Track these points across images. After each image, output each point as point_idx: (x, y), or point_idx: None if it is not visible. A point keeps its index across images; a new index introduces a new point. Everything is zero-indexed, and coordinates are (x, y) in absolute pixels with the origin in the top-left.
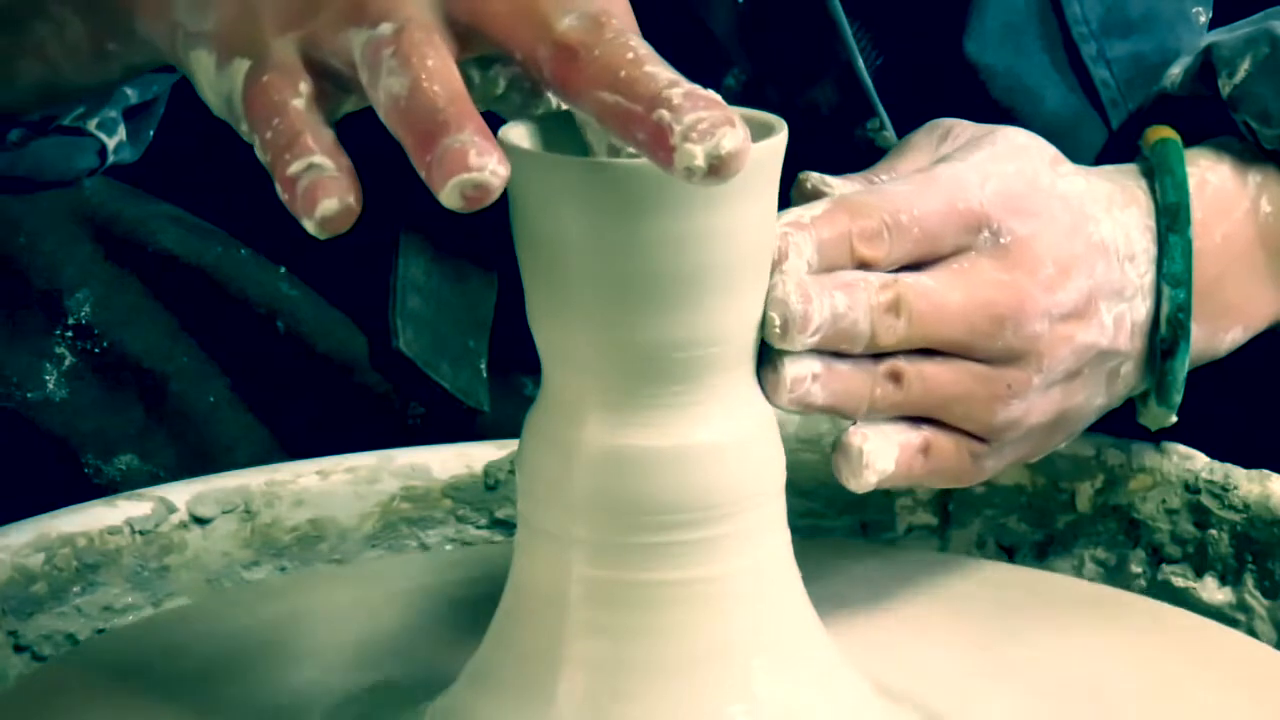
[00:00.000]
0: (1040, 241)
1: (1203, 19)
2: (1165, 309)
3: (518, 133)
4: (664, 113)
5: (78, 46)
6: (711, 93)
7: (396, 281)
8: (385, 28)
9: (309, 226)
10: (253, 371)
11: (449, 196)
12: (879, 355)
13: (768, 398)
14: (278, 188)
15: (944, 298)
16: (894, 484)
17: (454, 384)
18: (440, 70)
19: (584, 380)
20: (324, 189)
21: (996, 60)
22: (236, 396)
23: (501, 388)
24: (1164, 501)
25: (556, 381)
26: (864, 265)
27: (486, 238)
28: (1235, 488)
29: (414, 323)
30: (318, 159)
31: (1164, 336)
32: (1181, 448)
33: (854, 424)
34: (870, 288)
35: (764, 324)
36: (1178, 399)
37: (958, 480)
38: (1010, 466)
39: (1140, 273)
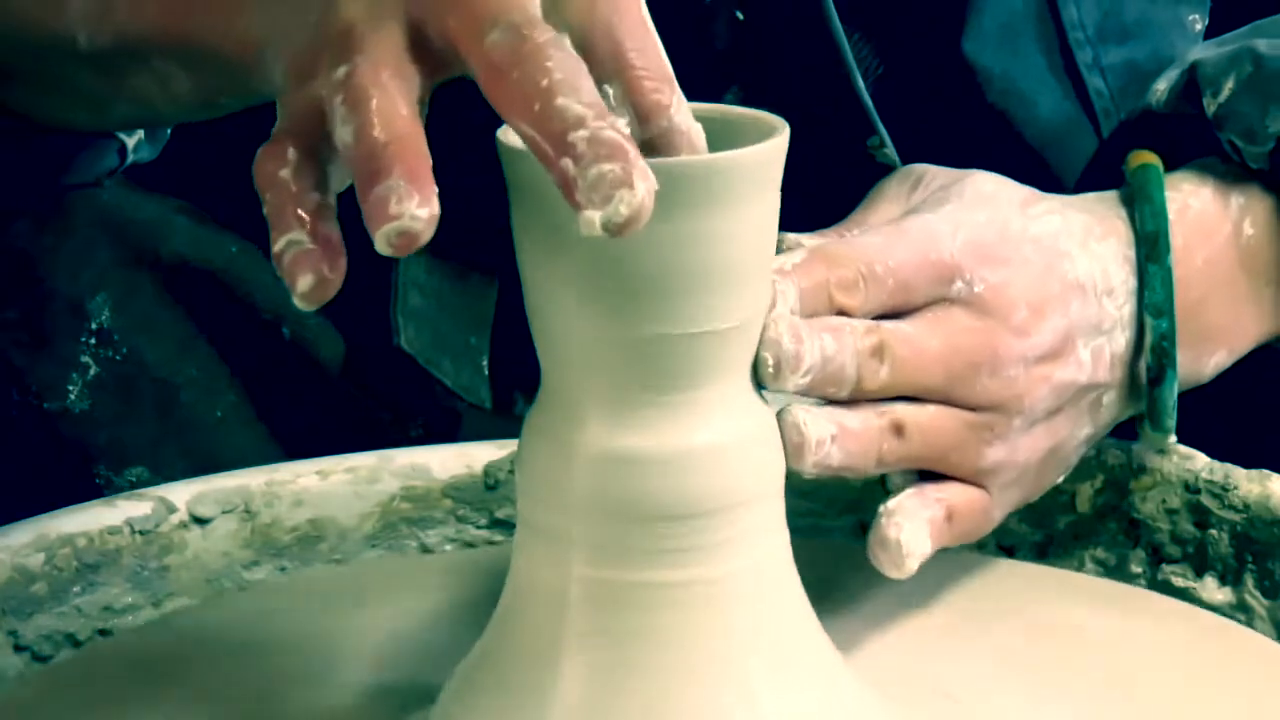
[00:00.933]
0: (1013, 287)
1: (1198, 26)
2: (1149, 339)
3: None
4: (568, 162)
5: (183, 97)
6: (618, 134)
7: (397, 279)
8: (340, 72)
9: (296, 300)
10: (259, 380)
11: (380, 246)
12: (877, 403)
13: (790, 463)
14: (274, 262)
15: (923, 344)
16: (863, 468)
17: (455, 381)
18: (384, 111)
19: (584, 380)
20: (300, 264)
21: (993, 62)
22: (244, 409)
23: (498, 401)
24: (1164, 501)
25: (556, 381)
26: (841, 314)
27: (488, 240)
28: (1235, 488)
29: (415, 320)
30: (295, 235)
31: (1150, 365)
32: (1182, 448)
33: (882, 509)
34: (855, 332)
35: (756, 367)
36: (1171, 423)
37: (975, 537)
38: (1014, 510)
39: (1118, 304)
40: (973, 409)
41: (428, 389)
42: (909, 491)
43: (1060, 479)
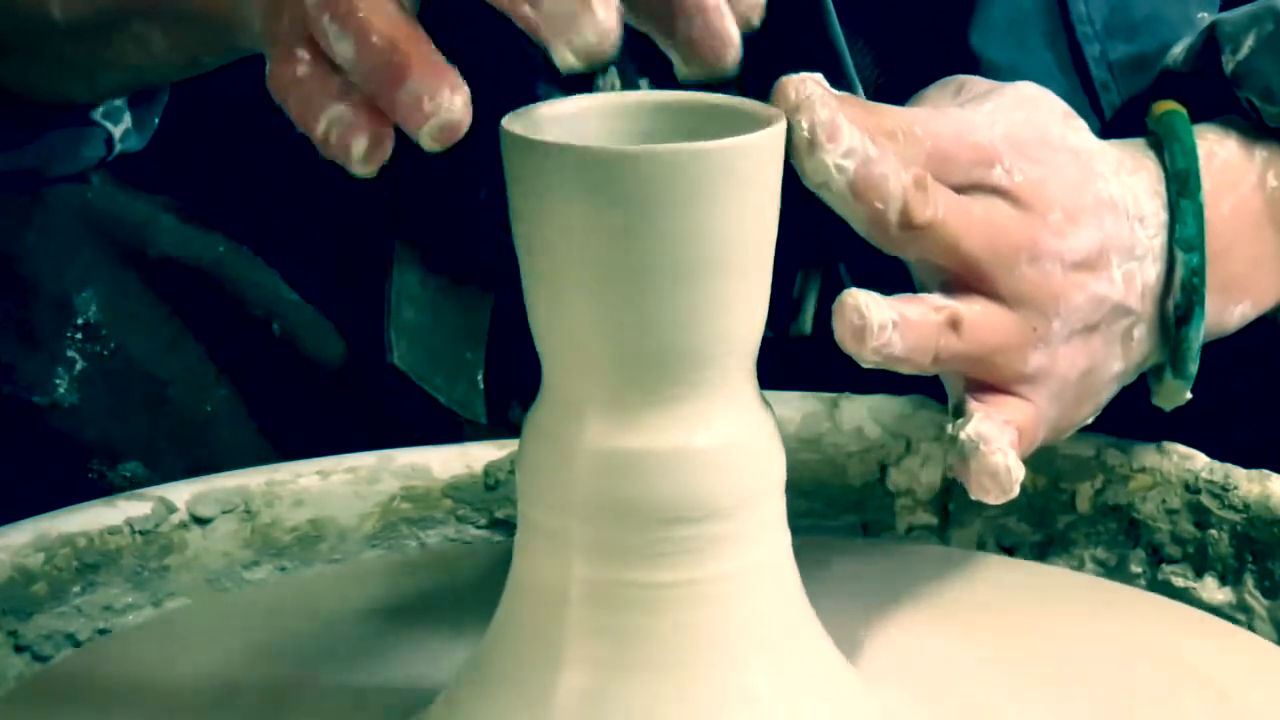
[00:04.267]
0: (1049, 186)
1: (1206, 23)
2: (1179, 274)
3: (520, 123)
4: (525, 7)
5: (165, 56)
6: None
7: (391, 292)
8: None
9: (355, 168)
10: (249, 377)
11: (426, 144)
12: (931, 298)
13: (846, 348)
14: (322, 150)
15: (967, 207)
16: (921, 362)
17: (450, 397)
18: (377, 17)
19: (584, 379)
20: (348, 133)
21: (1000, 55)
22: (234, 406)
23: (493, 408)
24: (1164, 501)
25: (557, 381)
26: None
27: (483, 249)
28: (1235, 488)
29: (408, 335)
30: (332, 111)
31: (1179, 303)
32: (1181, 448)
33: (966, 436)
34: (897, 162)
35: (788, 144)
36: (1194, 369)
37: (1027, 454)
38: (1049, 436)
39: (1150, 235)
40: (1012, 302)
41: (425, 401)
42: (978, 416)
43: (1091, 416)
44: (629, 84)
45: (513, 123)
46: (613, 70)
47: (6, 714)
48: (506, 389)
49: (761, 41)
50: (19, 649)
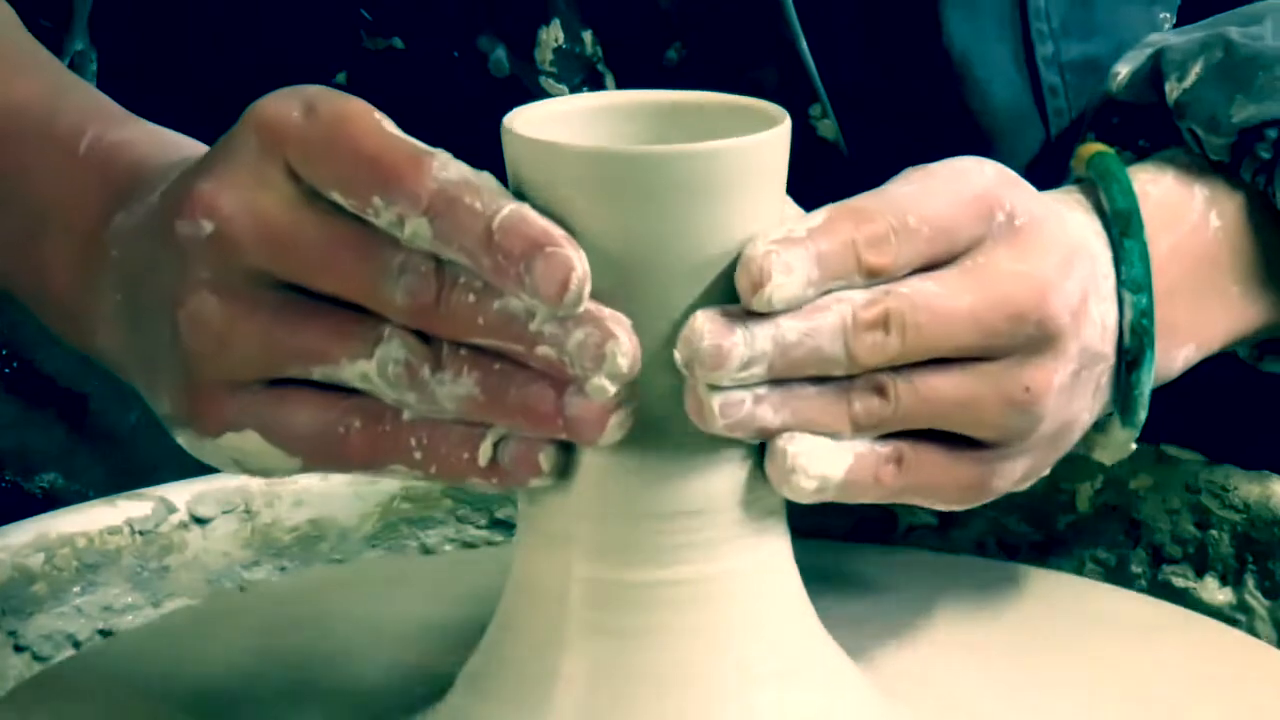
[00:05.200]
0: (1048, 224)
1: (1168, 25)
2: (1129, 316)
3: (522, 122)
4: (547, 350)
5: None
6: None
7: None
8: (385, 350)
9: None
10: None
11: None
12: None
13: (696, 424)
14: (484, 481)
15: (952, 303)
16: (862, 497)
17: None
18: (478, 371)
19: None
20: (524, 453)
21: (959, 39)
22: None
23: None
24: (1164, 502)
25: None
26: (873, 275)
27: None
28: (1235, 488)
29: None
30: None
31: (1129, 346)
32: (1181, 448)
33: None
34: (845, 305)
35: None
36: (1143, 416)
37: (959, 500)
38: (1018, 485)
39: (1104, 275)
40: (1004, 360)
41: None
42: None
43: (1048, 469)
44: (572, 35)
45: (515, 122)
46: (556, 22)
47: (6, 714)
48: None
49: (720, 42)
50: (19, 649)
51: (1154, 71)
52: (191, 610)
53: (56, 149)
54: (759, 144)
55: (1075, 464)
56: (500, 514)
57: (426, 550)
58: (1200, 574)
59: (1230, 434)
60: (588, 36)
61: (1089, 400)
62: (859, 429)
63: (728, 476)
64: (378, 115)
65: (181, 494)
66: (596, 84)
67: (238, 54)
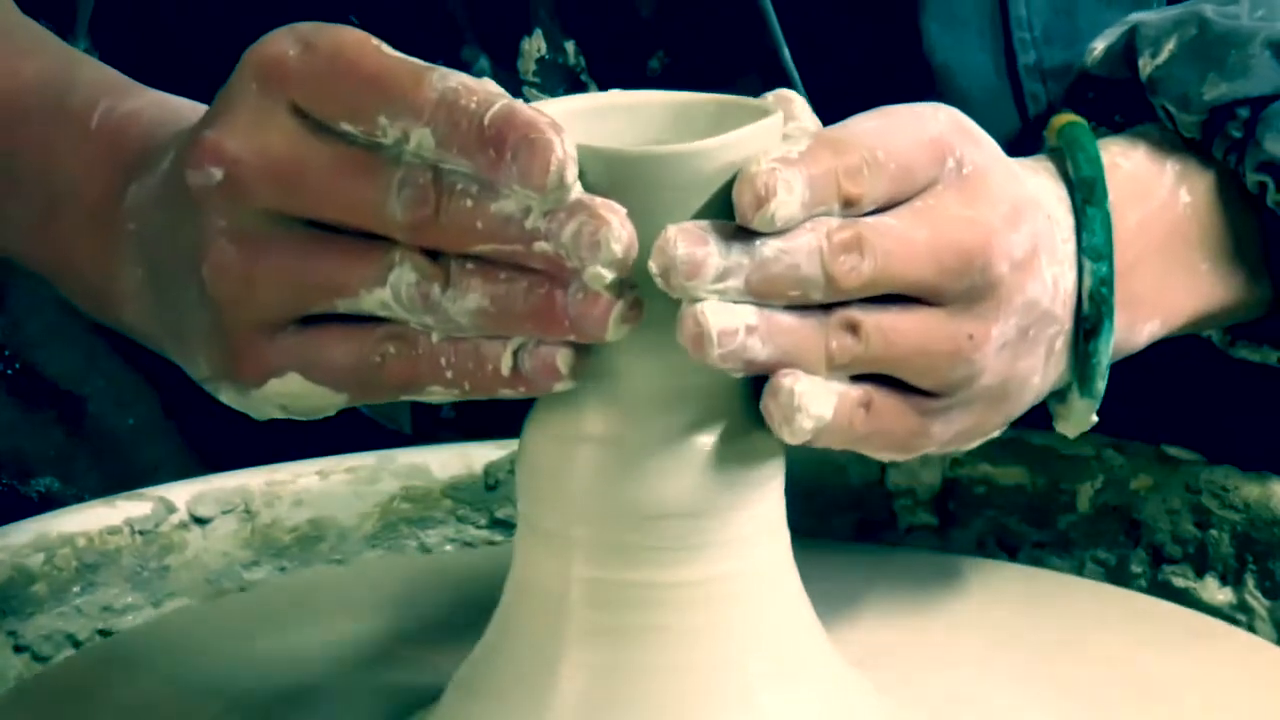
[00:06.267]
0: (994, 175)
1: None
2: (1088, 283)
3: None
4: (544, 245)
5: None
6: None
7: None
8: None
9: (566, 376)
10: (171, 389)
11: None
12: (828, 307)
13: (691, 354)
14: (511, 390)
15: (912, 235)
16: (832, 441)
17: (373, 409)
18: (482, 279)
19: (585, 378)
20: (543, 355)
21: (939, 51)
22: (157, 418)
23: (421, 407)
24: (1164, 502)
25: None
26: (848, 204)
27: None
28: (1235, 488)
29: None
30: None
31: (1087, 314)
32: (1181, 448)
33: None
34: (820, 229)
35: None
36: (1101, 386)
37: (903, 447)
38: (951, 444)
39: (1064, 239)
40: (952, 307)
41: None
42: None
43: (998, 430)
44: (555, 46)
45: None
46: (538, 33)
47: (6, 714)
48: None
49: (691, 7)
50: (19, 649)
51: (1128, 47)
52: (191, 610)
53: (70, 125)
54: (754, 134)
55: (1075, 464)
56: (500, 514)
57: (426, 550)
58: (1200, 574)
59: (1230, 434)
60: (570, 47)
61: (1039, 363)
62: (833, 367)
63: (727, 478)
64: (374, 40)
65: (181, 494)
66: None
67: (236, 55)
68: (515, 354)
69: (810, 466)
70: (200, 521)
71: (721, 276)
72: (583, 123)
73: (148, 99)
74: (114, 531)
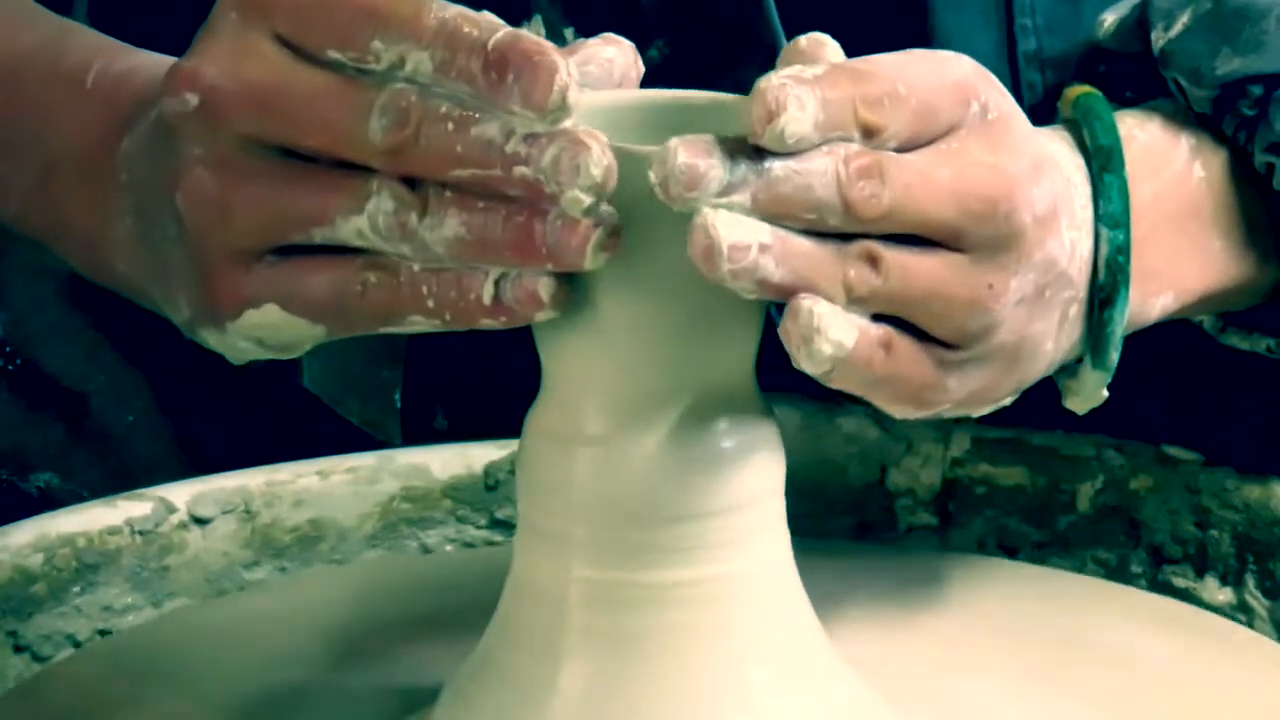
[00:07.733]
0: (1017, 125)
1: None
2: (1104, 251)
3: None
4: (523, 169)
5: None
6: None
7: None
8: (376, 205)
9: (548, 307)
10: (170, 386)
11: (594, 259)
12: (847, 240)
13: (703, 270)
14: (493, 320)
15: (933, 172)
16: (849, 381)
17: (362, 418)
18: (457, 206)
19: (584, 379)
20: (525, 285)
21: (944, 26)
22: (155, 415)
23: (413, 417)
24: (1164, 502)
25: (557, 380)
26: (868, 134)
27: None
28: (1235, 488)
29: (321, 357)
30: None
31: (1103, 283)
32: (1182, 448)
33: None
34: (838, 153)
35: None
36: (1115, 358)
37: (916, 399)
38: (964, 404)
39: (1082, 204)
40: (973, 253)
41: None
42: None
43: (1010, 398)
44: (554, 33)
45: None
46: (538, 19)
47: (6, 714)
48: (430, 396)
49: (702, 40)
50: (19, 649)
51: (1140, 20)
52: (191, 610)
53: (65, 85)
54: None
55: (1075, 464)
56: (500, 514)
57: (426, 550)
58: (1200, 574)
59: (1230, 434)
60: (569, 33)
61: (1053, 327)
62: (852, 299)
63: (727, 479)
64: None
65: (181, 494)
66: None
67: None
68: (497, 283)
69: (810, 466)
70: (200, 522)
71: (725, 191)
72: (585, 121)
73: (143, 59)
74: (114, 531)
